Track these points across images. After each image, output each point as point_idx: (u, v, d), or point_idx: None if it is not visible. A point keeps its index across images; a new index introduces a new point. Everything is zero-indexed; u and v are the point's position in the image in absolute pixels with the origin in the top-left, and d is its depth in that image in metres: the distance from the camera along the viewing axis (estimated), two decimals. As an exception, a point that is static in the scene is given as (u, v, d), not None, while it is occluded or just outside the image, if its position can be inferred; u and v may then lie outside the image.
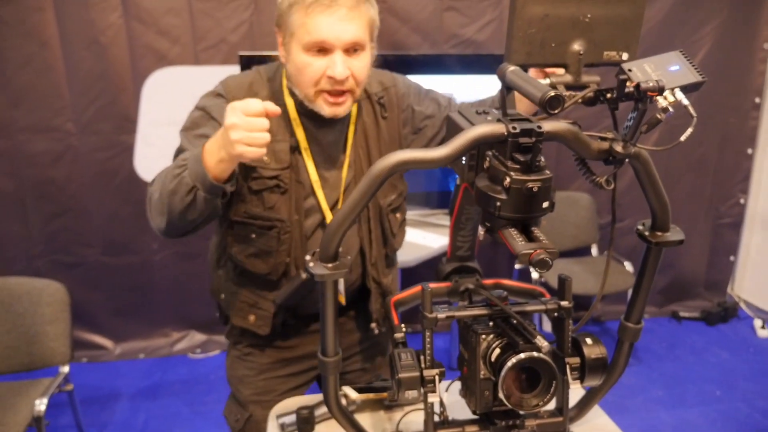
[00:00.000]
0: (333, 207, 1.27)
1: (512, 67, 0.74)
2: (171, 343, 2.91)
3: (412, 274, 2.43)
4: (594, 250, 3.02)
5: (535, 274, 2.58)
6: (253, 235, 1.22)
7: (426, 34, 2.66)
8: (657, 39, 2.76)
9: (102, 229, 2.71)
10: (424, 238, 2.42)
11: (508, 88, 0.75)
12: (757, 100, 3.08)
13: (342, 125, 1.26)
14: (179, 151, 1.19)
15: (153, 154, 2.62)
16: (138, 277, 2.79)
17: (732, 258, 3.36)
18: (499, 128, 0.72)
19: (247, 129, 0.97)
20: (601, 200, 3.02)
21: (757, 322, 3.17)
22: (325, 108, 1.16)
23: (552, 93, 0.64)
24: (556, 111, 0.65)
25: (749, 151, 3.17)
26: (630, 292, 0.94)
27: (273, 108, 0.99)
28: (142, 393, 2.61)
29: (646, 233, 0.88)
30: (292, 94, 1.21)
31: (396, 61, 2.55)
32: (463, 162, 0.81)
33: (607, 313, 3.10)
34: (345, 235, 0.77)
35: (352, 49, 1.13)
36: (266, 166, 1.20)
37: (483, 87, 2.57)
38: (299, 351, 1.37)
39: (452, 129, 0.83)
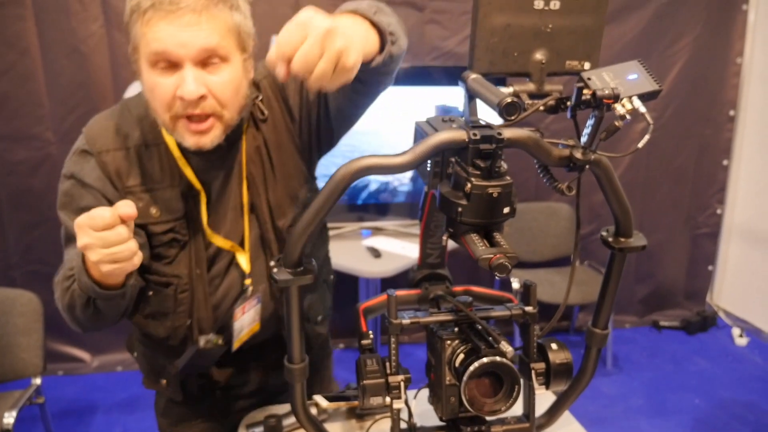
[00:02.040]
0: (241, 241, 1.11)
1: (473, 75, 0.76)
2: (150, 355, 2.88)
3: (391, 284, 2.43)
4: (574, 260, 3.03)
5: (515, 284, 2.59)
6: (150, 293, 1.06)
7: (408, 47, 2.68)
8: (633, 53, 2.80)
9: (80, 239, 2.68)
10: (403, 248, 2.43)
11: (470, 96, 0.77)
12: (732, 112, 3.15)
13: (232, 149, 1.08)
14: (66, 236, 1.04)
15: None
16: (117, 287, 2.76)
17: (710, 267, 3.40)
18: (461, 134, 0.73)
19: (103, 246, 0.80)
20: (582, 211, 3.03)
21: (736, 331, 3.21)
22: (186, 138, 0.96)
23: (509, 99, 0.65)
24: (513, 117, 0.66)
25: (725, 162, 3.22)
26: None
27: (127, 210, 0.79)
28: (118, 406, 2.57)
29: (610, 239, 0.89)
30: None
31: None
32: (428, 169, 0.82)
33: (588, 323, 3.11)
34: (309, 240, 0.77)
35: (207, 61, 0.93)
36: (157, 220, 1.03)
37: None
38: (232, 399, 1.24)
39: (419, 136, 0.84)
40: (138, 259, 0.85)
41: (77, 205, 1.01)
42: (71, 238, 1.01)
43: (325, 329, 1.31)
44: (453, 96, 2.63)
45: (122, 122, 1.04)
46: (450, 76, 2.65)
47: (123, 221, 0.80)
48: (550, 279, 2.74)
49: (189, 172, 1.05)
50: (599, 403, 2.59)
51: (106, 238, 0.79)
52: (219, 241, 1.09)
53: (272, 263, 0.78)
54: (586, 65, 0.82)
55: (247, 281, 1.11)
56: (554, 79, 0.82)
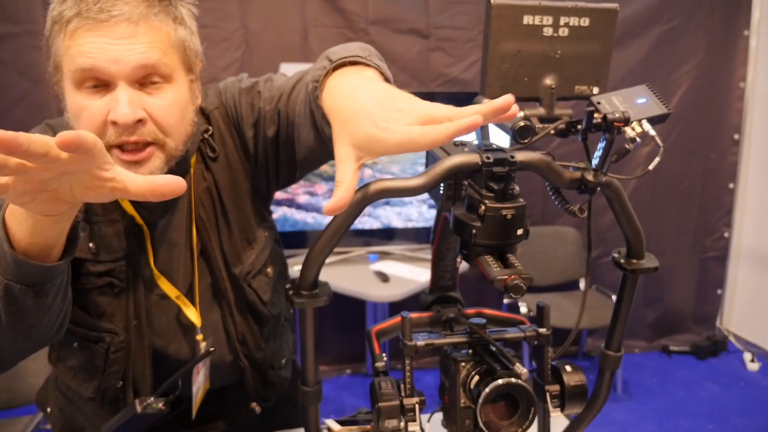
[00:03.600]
0: (190, 290, 0.97)
1: (485, 100, 0.77)
2: (156, 381, 2.87)
3: (400, 309, 2.43)
4: (582, 284, 3.03)
5: (523, 308, 2.59)
6: (75, 344, 0.91)
7: (414, 74, 2.74)
8: (637, 78, 2.84)
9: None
10: (411, 272, 2.43)
11: (483, 120, 0.78)
12: (736, 136, 3.17)
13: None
14: None
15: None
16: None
17: (719, 291, 3.38)
18: (474, 158, 0.75)
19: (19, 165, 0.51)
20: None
21: (747, 356, 3.17)
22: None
23: (521, 123, 0.67)
24: (526, 141, 0.68)
25: (731, 185, 3.23)
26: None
27: (80, 138, 0.46)
28: None
29: (622, 261, 0.89)
30: None
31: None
32: (441, 192, 0.83)
33: (597, 348, 3.09)
34: (323, 263, 0.78)
35: (146, 81, 0.80)
36: (93, 257, 0.88)
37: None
38: None
39: (431, 159, 0.86)
40: (72, 204, 0.56)
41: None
42: None
43: (289, 373, 1.18)
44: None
45: None
46: (455, 102, 2.69)
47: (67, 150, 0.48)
48: (557, 303, 2.73)
49: (128, 206, 0.90)
50: (611, 429, 2.56)
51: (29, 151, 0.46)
52: (165, 285, 0.94)
53: (287, 286, 0.79)
54: (595, 90, 0.84)
55: (199, 337, 0.98)
56: (563, 104, 0.84)
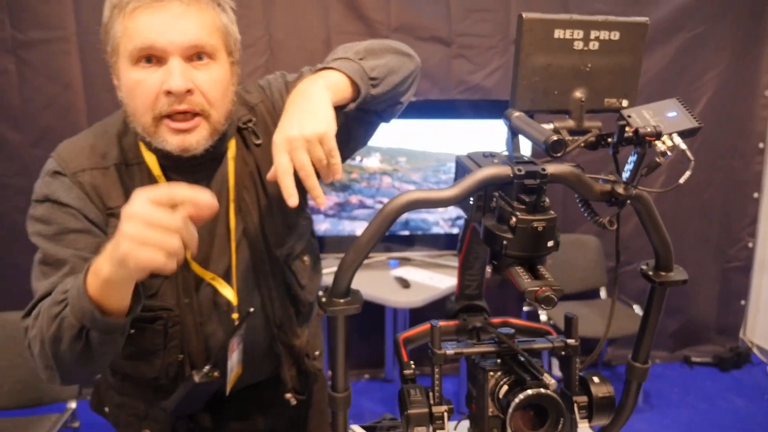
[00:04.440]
0: (227, 272, 1.01)
1: (517, 113, 0.79)
2: (177, 382, 2.90)
3: (419, 315, 2.44)
4: (602, 293, 3.01)
5: (543, 316, 2.58)
6: (132, 331, 0.92)
7: (435, 81, 2.75)
8: (659, 87, 2.82)
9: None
10: (431, 278, 2.44)
11: (513, 133, 0.79)
12: (761, 145, 3.12)
13: (218, 172, 1.00)
14: (42, 260, 0.91)
15: (167, 194, 2.68)
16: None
17: (743, 302, 3.33)
18: (505, 170, 0.76)
19: (147, 222, 0.68)
20: (609, 243, 3.03)
21: (771, 369, 3.13)
22: (169, 139, 0.88)
23: (555, 137, 0.68)
24: (559, 154, 0.68)
25: (755, 195, 3.18)
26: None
27: (204, 199, 0.70)
28: None
29: (650, 273, 0.90)
30: (155, 150, 0.94)
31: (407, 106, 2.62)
32: (471, 202, 0.84)
33: (618, 357, 3.07)
34: (356, 271, 0.79)
35: (195, 56, 0.88)
36: None
37: (491, 131, 2.64)
38: None
39: (461, 171, 0.87)
40: (173, 264, 0.70)
41: (54, 228, 0.91)
42: (50, 263, 0.89)
43: (322, 365, 1.22)
44: (477, 129, 2.67)
45: (98, 141, 0.98)
46: (477, 110, 2.69)
47: (189, 213, 0.70)
48: (578, 312, 2.69)
49: None
50: (631, 440, 2.53)
51: (154, 215, 0.68)
52: (197, 269, 0.99)
53: (320, 293, 0.81)
54: (624, 103, 0.85)
55: (234, 315, 1.03)
56: (592, 116, 0.85)
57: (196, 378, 0.98)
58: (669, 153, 0.76)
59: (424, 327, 1.06)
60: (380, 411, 2.71)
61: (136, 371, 1.01)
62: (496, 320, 1.06)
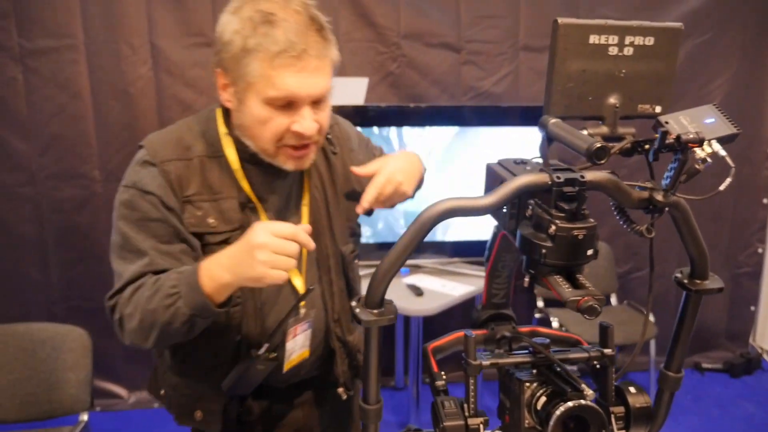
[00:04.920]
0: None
1: (554, 120, 0.77)
2: (185, 392, 2.88)
3: (432, 323, 2.42)
4: (613, 300, 2.99)
5: (555, 323, 2.56)
6: None
7: (444, 87, 2.74)
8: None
9: (122, 275, 2.73)
10: (444, 286, 2.42)
11: (549, 140, 0.78)
12: (770, 150, 3.12)
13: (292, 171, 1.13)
14: (123, 246, 1.03)
15: (175, 202, 2.66)
16: (155, 323, 2.78)
17: (753, 308, 3.32)
18: (543, 178, 0.74)
19: (275, 251, 0.90)
20: (618, 249, 3.02)
21: (782, 375, 3.11)
22: (288, 163, 1.04)
23: (598, 144, 0.67)
24: (603, 161, 0.67)
25: (765, 200, 3.17)
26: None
27: (306, 239, 0.94)
28: (157, 443, 2.56)
29: (685, 281, 0.89)
30: (236, 142, 1.07)
31: (416, 112, 2.62)
32: (504, 211, 0.83)
33: (630, 364, 3.04)
34: (390, 281, 0.78)
35: (317, 100, 1.03)
36: (213, 230, 1.05)
37: (500, 138, 2.63)
38: None
39: (492, 179, 0.86)
40: (284, 278, 0.93)
41: (139, 215, 1.02)
42: (132, 250, 1.02)
43: None
44: (485, 135, 2.66)
45: (184, 135, 1.08)
46: (483, 116, 2.68)
47: (299, 241, 0.93)
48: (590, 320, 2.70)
49: (245, 185, 1.08)
50: (644, 448, 2.51)
51: (281, 245, 0.91)
52: None
53: (353, 303, 0.79)
54: (658, 109, 0.84)
55: (302, 303, 1.12)
56: (626, 123, 0.83)
57: (255, 355, 1.07)
58: (709, 160, 0.75)
59: (453, 336, 1.04)
60: (391, 420, 2.68)
61: (196, 352, 1.10)
62: (523, 329, 1.04)
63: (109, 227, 2.82)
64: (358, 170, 1.14)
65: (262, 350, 1.08)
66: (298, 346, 1.14)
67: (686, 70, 2.88)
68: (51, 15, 2.47)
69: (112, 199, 2.97)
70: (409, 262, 2.67)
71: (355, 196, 1.18)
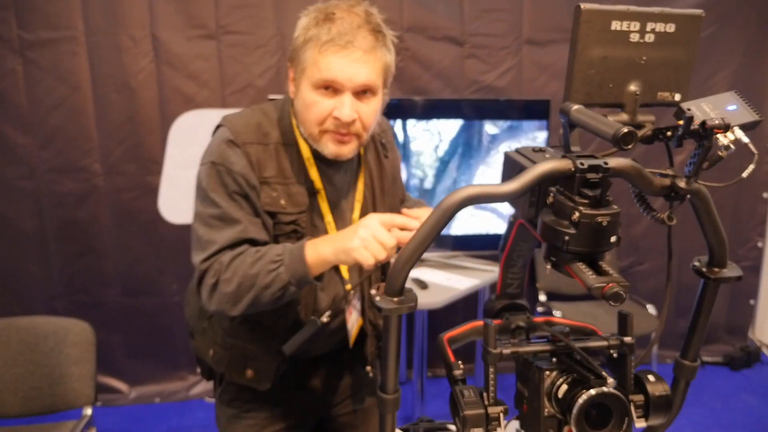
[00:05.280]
0: None
1: (576, 106, 0.77)
2: (187, 387, 2.87)
3: (437, 316, 2.42)
4: (614, 293, 2.99)
5: (558, 314, 2.56)
6: None
7: (448, 80, 2.74)
8: (672, 85, 2.82)
9: (123, 269, 2.72)
10: (449, 279, 2.42)
11: (571, 126, 0.77)
12: (771, 144, 3.13)
13: (352, 166, 1.25)
14: (216, 215, 1.12)
15: (177, 195, 2.65)
16: (157, 319, 2.78)
17: (752, 302, 3.33)
18: (566, 164, 0.74)
19: (373, 235, 1.02)
20: (622, 243, 3.01)
21: (782, 368, 3.12)
22: (329, 146, 1.13)
23: (625, 129, 0.66)
24: (630, 146, 0.67)
25: (765, 195, 3.19)
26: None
27: (413, 224, 1.05)
28: (158, 438, 2.56)
29: (704, 269, 0.88)
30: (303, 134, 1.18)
31: (419, 105, 2.61)
32: (523, 199, 0.82)
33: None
34: (411, 269, 0.77)
35: (362, 92, 1.10)
36: (284, 210, 1.16)
37: (507, 131, 2.62)
38: (299, 400, 1.33)
39: (510, 167, 0.85)
40: (371, 260, 1.03)
41: (228, 189, 1.12)
42: (224, 219, 1.12)
43: None
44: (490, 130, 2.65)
45: (263, 121, 1.18)
46: (485, 110, 2.68)
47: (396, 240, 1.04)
48: (592, 312, 2.71)
49: (314, 173, 1.19)
50: (647, 441, 2.52)
51: (381, 233, 1.03)
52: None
53: (373, 291, 0.79)
54: (677, 96, 0.83)
55: (348, 286, 1.26)
56: (645, 110, 0.83)
57: (319, 322, 1.18)
58: (732, 147, 0.74)
59: (469, 326, 1.04)
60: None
61: (260, 318, 1.19)
62: (538, 319, 1.04)
63: (110, 221, 2.80)
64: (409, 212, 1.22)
65: (326, 316, 1.20)
66: (353, 322, 1.28)
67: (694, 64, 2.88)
68: (51, 6, 2.45)
69: (113, 193, 2.96)
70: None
71: (397, 198, 1.36)
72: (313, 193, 1.19)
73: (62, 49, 2.50)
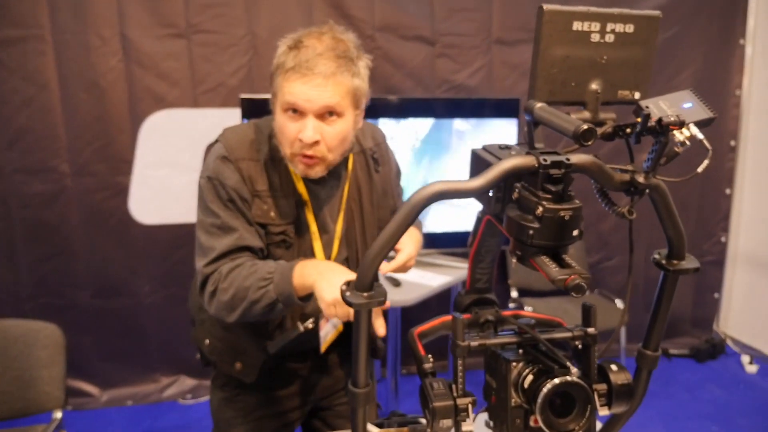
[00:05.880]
0: (328, 259, 1.31)
1: (539, 104, 0.79)
2: (160, 389, 2.84)
3: (411, 314, 2.44)
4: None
5: (529, 310, 2.60)
6: None
7: (419, 80, 2.76)
8: (638, 85, 2.89)
9: (94, 271, 2.67)
10: (422, 277, 2.44)
11: (535, 123, 0.80)
12: (733, 143, 3.23)
13: (338, 179, 1.31)
14: (215, 224, 1.21)
15: (148, 196, 2.62)
16: (128, 320, 2.74)
17: (716, 295, 3.43)
18: (530, 160, 0.76)
19: (337, 315, 1.10)
20: (590, 240, 3.09)
21: (745, 358, 3.22)
22: (299, 167, 1.20)
23: (585, 126, 0.68)
24: (589, 143, 0.69)
25: (727, 191, 3.29)
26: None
27: (380, 329, 1.14)
28: (131, 441, 2.53)
29: (663, 261, 0.91)
30: None
31: (391, 104, 2.63)
32: (490, 195, 0.84)
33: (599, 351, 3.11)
34: (380, 264, 0.79)
35: (326, 114, 1.16)
36: (273, 222, 1.24)
37: (477, 129, 2.66)
38: (289, 389, 1.40)
39: (477, 164, 0.87)
40: (336, 319, 1.20)
41: (224, 200, 1.22)
42: (222, 227, 1.21)
43: (384, 346, 1.48)
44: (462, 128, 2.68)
45: (257, 137, 1.26)
46: (457, 109, 2.71)
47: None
48: (563, 307, 2.76)
49: (301, 186, 1.27)
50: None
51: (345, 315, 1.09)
52: (318, 248, 1.29)
53: (343, 287, 0.80)
54: (636, 95, 0.87)
55: None
56: (606, 108, 0.86)
57: (301, 328, 1.27)
58: (688, 143, 0.77)
59: (439, 321, 1.06)
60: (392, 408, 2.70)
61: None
62: (507, 313, 1.06)
63: (80, 222, 2.76)
64: (389, 267, 1.31)
65: (308, 323, 1.28)
66: (330, 330, 1.33)
67: (654, 64, 2.96)
68: (15, 3, 2.40)
69: (83, 193, 2.92)
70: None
71: (386, 211, 1.39)
72: (300, 205, 1.27)
73: (29, 48, 2.45)
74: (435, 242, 2.72)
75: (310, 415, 1.50)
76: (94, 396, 2.78)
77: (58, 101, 2.51)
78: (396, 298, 2.28)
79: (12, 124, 2.50)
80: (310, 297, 1.15)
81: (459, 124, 2.70)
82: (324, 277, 1.10)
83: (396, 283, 2.39)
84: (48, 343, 1.82)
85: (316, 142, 1.16)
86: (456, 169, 2.71)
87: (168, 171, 2.55)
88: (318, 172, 1.21)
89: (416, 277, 2.44)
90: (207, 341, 1.36)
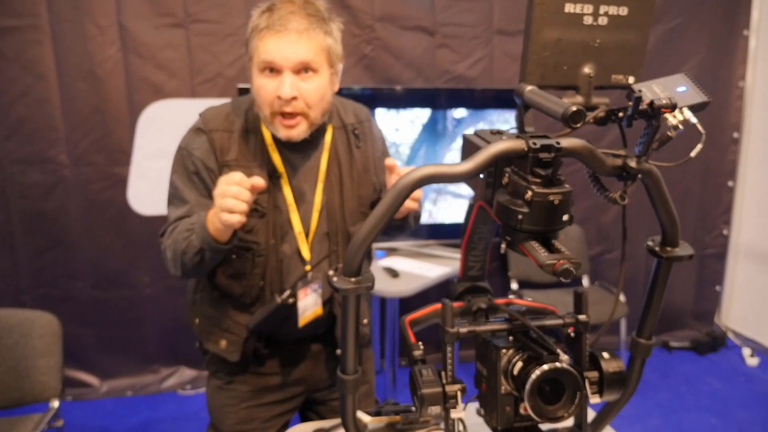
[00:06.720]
0: (307, 231, 1.32)
1: (529, 87, 0.78)
2: (159, 380, 2.84)
3: (408, 305, 2.43)
4: (585, 281, 3.05)
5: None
6: (233, 256, 1.27)
7: (419, 70, 2.74)
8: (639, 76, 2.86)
9: (93, 262, 2.67)
10: (420, 267, 2.44)
11: (526, 107, 0.78)
12: (735, 135, 3.20)
13: (316, 152, 1.32)
14: (174, 195, 1.28)
15: (146, 187, 2.62)
16: (128, 311, 2.74)
17: (718, 288, 3.42)
18: (520, 144, 0.75)
19: (226, 195, 1.09)
20: (590, 232, 3.07)
21: (746, 351, 3.21)
22: (280, 130, 1.22)
23: (574, 108, 0.67)
24: (578, 125, 0.68)
25: (730, 183, 3.26)
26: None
27: (257, 182, 1.12)
28: (131, 431, 2.53)
29: (657, 248, 0.90)
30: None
31: (391, 95, 2.61)
32: (481, 178, 0.83)
33: (598, 342, 3.10)
34: (369, 249, 0.78)
35: (302, 71, 1.19)
36: None
37: (478, 119, 2.64)
38: (280, 379, 1.40)
39: (469, 149, 0.86)
40: (239, 220, 1.10)
41: (186, 171, 1.27)
42: (179, 198, 1.27)
43: (369, 330, 1.48)
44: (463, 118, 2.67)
45: (232, 111, 1.30)
46: (458, 99, 2.69)
47: (250, 188, 1.10)
48: (562, 299, 2.75)
49: (276, 157, 1.28)
50: (616, 423, 2.57)
51: (231, 190, 1.08)
52: (295, 219, 1.30)
53: (331, 272, 0.79)
54: (631, 79, 0.85)
55: (307, 267, 1.32)
56: (600, 92, 0.84)
57: (278, 300, 1.28)
58: (681, 127, 0.76)
59: (430, 309, 1.05)
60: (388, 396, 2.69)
61: (228, 289, 1.30)
62: (500, 301, 1.05)
63: (78, 212, 2.77)
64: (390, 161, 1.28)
65: (285, 296, 1.28)
66: (310, 305, 1.33)
67: (656, 55, 2.94)
68: (13, -7, 2.39)
69: (81, 183, 2.93)
70: (385, 245, 2.68)
71: (367, 189, 1.38)
72: (276, 176, 1.28)
73: (26, 38, 2.44)
74: (433, 233, 2.72)
75: (306, 408, 1.50)
76: (94, 386, 2.79)
77: (56, 91, 2.50)
78: (394, 289, 2.27)
79: (10, 115, 2.50)
80: (232, 240, 1.19)
81: (457, 112, 2.68)
82: (218, 220, 1.13)
83: (394, 274, 2.38)
84: (44, 333, 1.82)
85: (294, 98, 1.18)
86: (453, 159, 2.70)
87: (166, 161, 2.50)
88: (300, 132, 1.23)
89: (414, 268, 2.43)
90: (197, 320, 1.39)
